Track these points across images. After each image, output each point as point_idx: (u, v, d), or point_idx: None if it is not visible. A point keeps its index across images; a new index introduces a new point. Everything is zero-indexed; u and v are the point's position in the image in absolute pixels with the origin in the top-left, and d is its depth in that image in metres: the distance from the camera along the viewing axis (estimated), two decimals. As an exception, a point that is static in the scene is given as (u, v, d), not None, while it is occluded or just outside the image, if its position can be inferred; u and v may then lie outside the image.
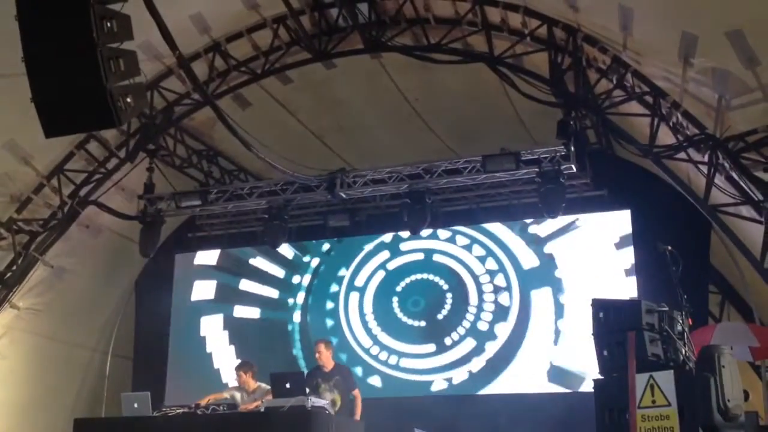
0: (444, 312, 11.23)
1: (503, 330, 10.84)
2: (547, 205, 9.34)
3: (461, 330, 11.03)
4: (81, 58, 5.35)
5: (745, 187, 7.48)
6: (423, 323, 11.29)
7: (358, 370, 11.01)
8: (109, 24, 5.45)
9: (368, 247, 11.88)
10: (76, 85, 5.44)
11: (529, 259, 11.01)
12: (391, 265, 11.72)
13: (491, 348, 10.81)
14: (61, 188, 10.53)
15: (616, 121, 8.86)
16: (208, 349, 12.11)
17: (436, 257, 11.51)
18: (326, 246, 12.16)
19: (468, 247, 11.34)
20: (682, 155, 8.08)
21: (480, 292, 11.13)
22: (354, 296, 11.78)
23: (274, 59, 10.11)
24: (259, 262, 12.36)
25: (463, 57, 9.35)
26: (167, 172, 11.33)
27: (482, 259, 11.25)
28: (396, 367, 11.23)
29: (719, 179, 7.75)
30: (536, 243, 10.99)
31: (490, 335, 10.87)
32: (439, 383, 10.94)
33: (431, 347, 11.12)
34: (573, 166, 9.19)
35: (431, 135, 11.05)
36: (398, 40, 9.51)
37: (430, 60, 9.40)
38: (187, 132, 11.39)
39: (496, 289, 11.05)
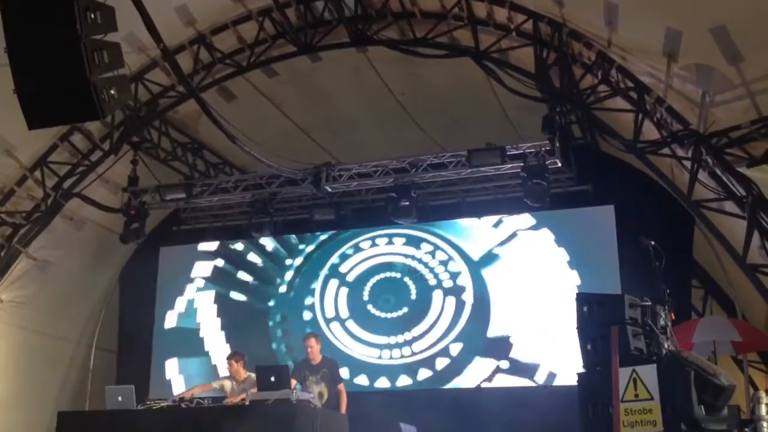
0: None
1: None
2: (532, 200, 9.39)
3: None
4: (65, 49, 5.32)
5: (728, 183, 7.53)
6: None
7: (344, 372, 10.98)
8: (92, 15, 5.42)
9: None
10: (59, 77, 5.41)
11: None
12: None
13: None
14: (45, 180, 10.47)
15: (601, 117, 8.90)
16: (201, 334, 12.13)
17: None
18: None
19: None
20: (665, 151, 8.13)
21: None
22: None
23: (260, 52, 10.08)
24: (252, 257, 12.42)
25: (449, 51, 9.36)
26: (152, 165, 11.28)
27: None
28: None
29: (702, 175, 7.79)
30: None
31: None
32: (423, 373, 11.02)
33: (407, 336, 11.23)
34: (558, 161, 9.24)
35: (417, 129, 11.06)
36: (384, 34, 9.51)
37: (416, 54, 9.41)
38: (172, 124, 11.35)
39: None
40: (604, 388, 5.51)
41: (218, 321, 12.14)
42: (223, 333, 12.06)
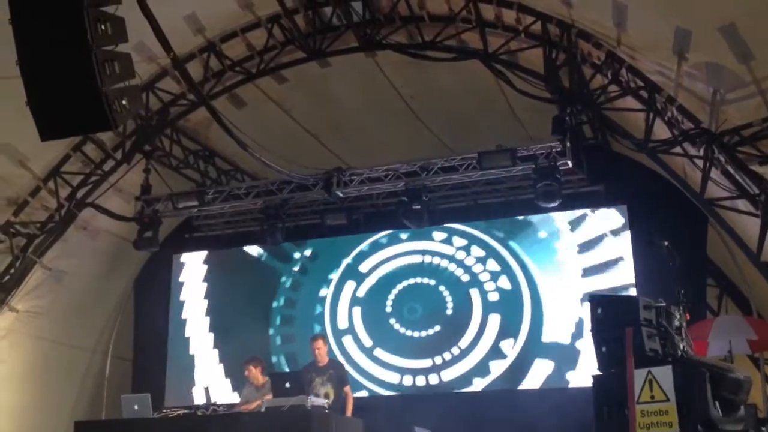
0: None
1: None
2: (544, 201, 9.37)
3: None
4: (76, 61, 5.35)
5: (741, 181, 7.48)
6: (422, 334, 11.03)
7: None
8: (103, 27, 5.45)
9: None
10: (71, 88, 5.44)
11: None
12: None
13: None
14: (58, 191, 10.53)
15: (612, 117, 8.87)
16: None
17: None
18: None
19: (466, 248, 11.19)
20: (677, 150, 8.09)
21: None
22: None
23: (269, 59, 10.11)
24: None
25: (458, 54, 9.35)
26: (164, 173, 11.34)
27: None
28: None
29: (715, 173, 7.75)
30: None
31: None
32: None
33: (428, 363, 10.85)
34: (569, 162, 9.21)
35: (427, 132, 11.05)
36: (393, 38, 9.51)
37: (425, 57, 9.40)
38: (183, 132, 11.38)
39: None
40: (619, 389, 5.49)
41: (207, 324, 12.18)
42: (211, 335, 12.10)
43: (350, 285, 11.64)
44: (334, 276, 11.76)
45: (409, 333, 11.11)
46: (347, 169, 10.40)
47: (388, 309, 11.29)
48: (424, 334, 11.02)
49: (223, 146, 11.54)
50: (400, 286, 11.35)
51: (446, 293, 11.10)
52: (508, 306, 10.71)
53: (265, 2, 9.43)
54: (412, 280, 11.35)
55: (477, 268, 11.04)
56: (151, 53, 9.38)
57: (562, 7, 8.33)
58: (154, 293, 12.45)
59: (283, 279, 12.02)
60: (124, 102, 5.60)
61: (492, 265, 10.99)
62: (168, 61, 9.43)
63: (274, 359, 11.49)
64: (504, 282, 10.85)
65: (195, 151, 11.73)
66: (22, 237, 10.56)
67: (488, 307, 10.79)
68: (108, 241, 11.70)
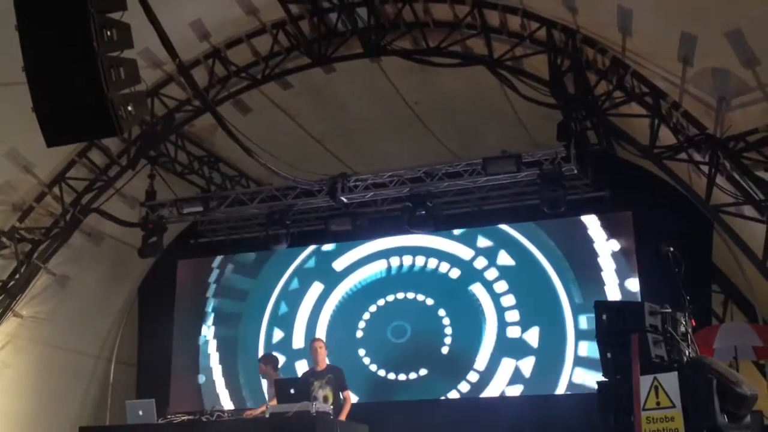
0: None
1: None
2: (549, 207, 9.36)
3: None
4: (82, 67, 5.35)
5: (747, 187, 7.47)
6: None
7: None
8: (109, 33, 5.45)
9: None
10: (77, 95, 5.44)
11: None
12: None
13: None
14: (63, 196, 10.53)
15: (617, 123, 8.85)
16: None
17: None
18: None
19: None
20: (682, 156, 8.07)
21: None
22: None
23: (274, 64, 10.12)
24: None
25: (463, 60, 9.35)
26: (168, 179, 11.35)
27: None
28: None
29: (720, 179, 7.74)
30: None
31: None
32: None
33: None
34: (574, 168, 9.20)
35: (432, 138, 11.06)
36: (398, 44, 9.52)
37: (430, 63, 9.41)
38: (188, 138, 11.40)
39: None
40: (624, 396, 5.47)
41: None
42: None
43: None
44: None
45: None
46: (352, 175, 10.40)
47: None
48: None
49: (228, 152, 11.56)
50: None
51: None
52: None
53: (271, 8, 9.44)
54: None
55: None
56: (156, 59, 9.40)
57: (567, 13, 8.33)
58: (159, 299, 12.46)
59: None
60: (129, 108, 5.60)
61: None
62: (173, 67, 9.46)
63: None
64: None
65: (200, 157, 11.75)
66: (27, 242, 10.56)
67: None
68: (112, 246, 11.71)
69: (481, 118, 10.50)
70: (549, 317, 10.48)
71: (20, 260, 10.49)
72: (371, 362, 11.04)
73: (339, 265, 11.76)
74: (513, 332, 10.60)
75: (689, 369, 5.38)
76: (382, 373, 10.96)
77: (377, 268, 11.53)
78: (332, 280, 11.68)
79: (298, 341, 11.53)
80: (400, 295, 11.25)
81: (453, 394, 10.58)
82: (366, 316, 11.30)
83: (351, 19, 9.48)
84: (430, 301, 11.10)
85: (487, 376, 10.47)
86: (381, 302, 11.29)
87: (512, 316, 10.68)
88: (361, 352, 11.12)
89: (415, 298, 11.18)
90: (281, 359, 9.98)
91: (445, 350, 10.81)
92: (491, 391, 10.38)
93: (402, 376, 10.88)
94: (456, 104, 10.39)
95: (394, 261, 11.46)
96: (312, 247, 12.02)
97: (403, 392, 10.74)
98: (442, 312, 10.98)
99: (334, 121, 11.04)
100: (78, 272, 11.33)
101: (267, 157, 9.14)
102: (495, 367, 10.48)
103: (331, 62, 9.93)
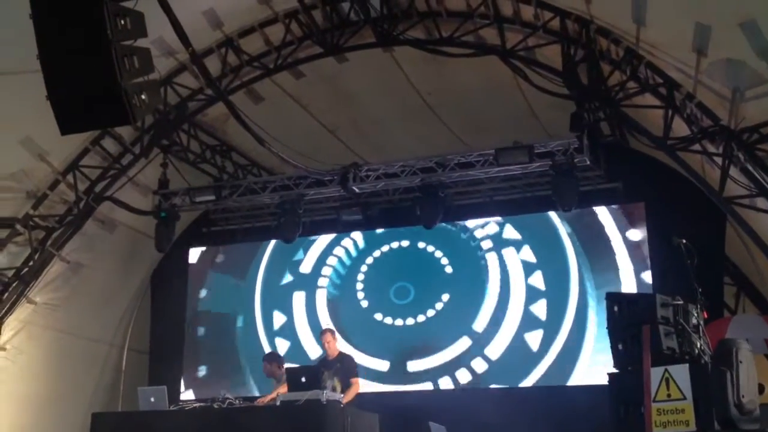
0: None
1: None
2: (561, 198, 9.34)
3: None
4: (95, 56, 5.40)
5: (760, 179, 7.43)
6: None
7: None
8: (122, 22, 5.49)
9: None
10: (90, 83, 5.49)
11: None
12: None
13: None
14: (77, 184, 10.59)
15: (630, 113, 8.81)
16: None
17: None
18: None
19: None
20: (696, 147, 8.04)
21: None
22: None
23: (287, 54, 10.11)
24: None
25: (476, 50, 9.31)
26: (181, 168, 11.37)
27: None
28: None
29: (734, 171, 7.70)
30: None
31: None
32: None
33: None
34: (587, 159, 9.18)
35: (444, 128, 11.03)
36: (410, 34, 9.48)
37: (443, 53, 9.38)
38: (201, 127, 11.43)
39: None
40: (635, 388, 5.47)
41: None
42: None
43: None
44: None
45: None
46: (363, 165, 10.40)
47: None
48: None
49: (241, 141, 11.57)
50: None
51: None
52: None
53: (283, -3, 9.45)
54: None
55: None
56: (169, 48, 9.42)
57: (581, 2, 8.29)
58: (171, 286, 12.53)
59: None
60: (143, 96, 5.64)
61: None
62: (186, 56, 9.47)
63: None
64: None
65: (212, 146, 11.77)
66: (41, 230, 10.63)
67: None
68: (125, 234, 11.77)
69: (493, 108, 10.46)
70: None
71: (34, 247, 10.56)
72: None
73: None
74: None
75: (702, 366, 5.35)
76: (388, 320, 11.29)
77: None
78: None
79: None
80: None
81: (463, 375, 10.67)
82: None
83: (363, 9, 9.45)
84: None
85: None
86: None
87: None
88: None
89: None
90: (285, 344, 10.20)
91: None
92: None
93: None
94: (468, 94, 10.36)
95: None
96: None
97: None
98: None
99: (346, 110, 11.04)
100: (91, 260, 11.40)
101: (279, 147, 9.14)
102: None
103: (343, 52, 9.91)
